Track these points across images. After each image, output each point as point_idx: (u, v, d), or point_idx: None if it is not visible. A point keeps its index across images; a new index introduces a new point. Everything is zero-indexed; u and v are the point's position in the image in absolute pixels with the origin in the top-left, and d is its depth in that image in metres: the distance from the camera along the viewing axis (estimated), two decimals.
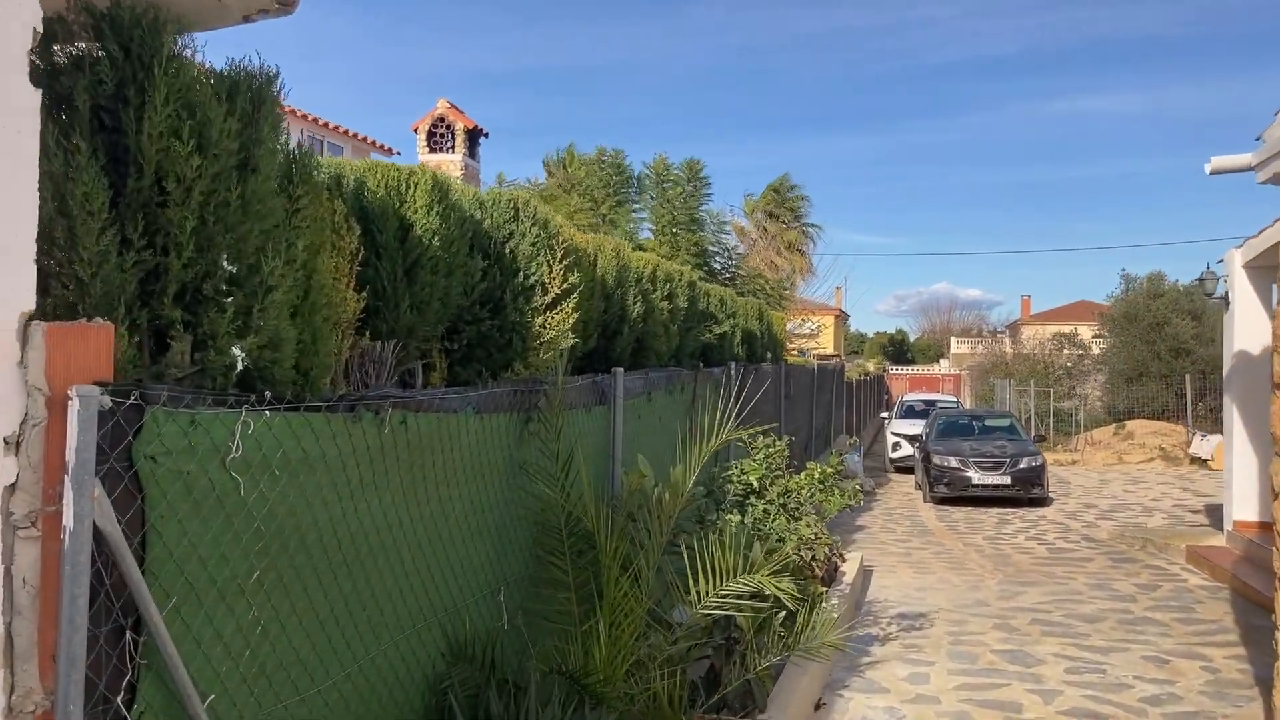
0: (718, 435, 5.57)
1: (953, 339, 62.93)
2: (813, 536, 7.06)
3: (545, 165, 22.39)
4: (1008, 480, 17.48)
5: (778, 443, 7.29)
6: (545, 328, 5.12)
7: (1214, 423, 27.36)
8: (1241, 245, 11.77)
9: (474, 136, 12.64)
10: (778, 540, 6.88)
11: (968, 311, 79.59)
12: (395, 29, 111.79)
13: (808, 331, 30.58)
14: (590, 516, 4.79)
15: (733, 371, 10.06)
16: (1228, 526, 12.11)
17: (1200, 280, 11.52)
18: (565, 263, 5.24)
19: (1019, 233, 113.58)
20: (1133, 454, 25.95)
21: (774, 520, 6.92)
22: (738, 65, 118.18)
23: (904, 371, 56.37)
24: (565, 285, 5.22)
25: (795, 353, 24.49)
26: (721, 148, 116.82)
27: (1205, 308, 30.73)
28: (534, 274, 5.11)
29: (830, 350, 47.22)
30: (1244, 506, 11.93)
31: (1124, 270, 37.85)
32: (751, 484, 7.06)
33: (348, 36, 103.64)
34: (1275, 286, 11.39)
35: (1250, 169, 9.22)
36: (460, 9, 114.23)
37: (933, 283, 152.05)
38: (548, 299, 5.15)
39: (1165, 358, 28.96)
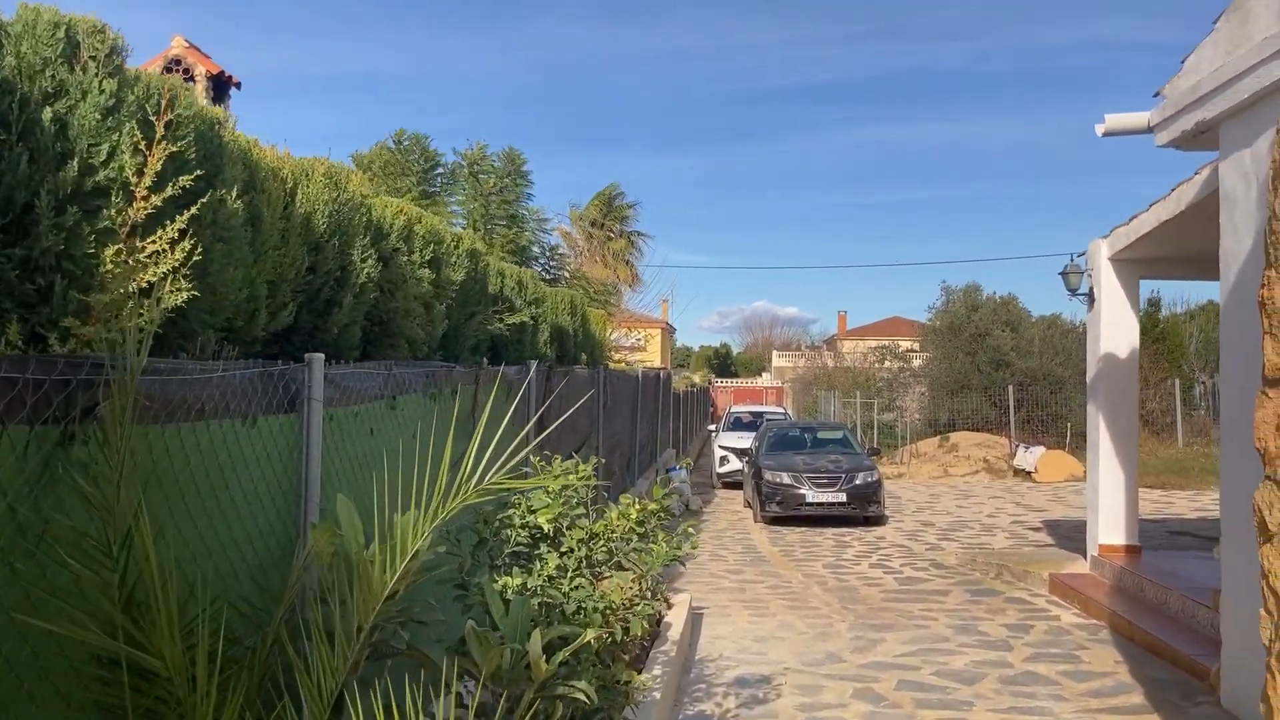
0: (495, 468, 3.23)
1: (774, 352, 62.53)
2: (626, 603, 4.83)
3: (352, 159, 19.61)
4: (843, 498, 15.78)
5: (582, 467, 5.07)
6: (134, 266, 2.68)
7: (1034, 434, 26.84)
8: (1107, 236, 10.28)
9: (221, 85, 9.99)
10: (576, 611, 4.59)
11: (787, 328, 79.95)
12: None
13: (632, 343, 28.57)
14: (167, 639, 2.36)
15: (534, 374, 7.74)
16: (1092, 551, 10.57)
17: (1063, 274, 9.90)
18: (175, 148, 2.81)
19: (835, 253, 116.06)
20: (958, 466, 25.01)
21: (572, 582, 4.66)
22: (566, 82, 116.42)
23: (729, 384, 55.35)
24: (174, 192, 2.79)
25: (623, 364, 22.45)
26: (549, 162, 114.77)
27: (1021, 319, 30.49)
28: (104, 162, 2.66)
29: (658, 363, 45.55)
30: (1110, 529, 10.40)
31: (944, 282, 37.70)
32: (543, 528, 4.81)
33: None
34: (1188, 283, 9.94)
35: (1148, 130, 7.57)
36: (268, 7, 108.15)
37: (753, 300, 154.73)
38: (135, 214, 2.71)
39: (986, 369, 28.33)
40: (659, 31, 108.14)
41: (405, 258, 5.22)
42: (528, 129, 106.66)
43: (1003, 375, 27.95)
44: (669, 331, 60.10)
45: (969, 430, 27.64)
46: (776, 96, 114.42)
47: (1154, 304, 35.84)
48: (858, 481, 15.98)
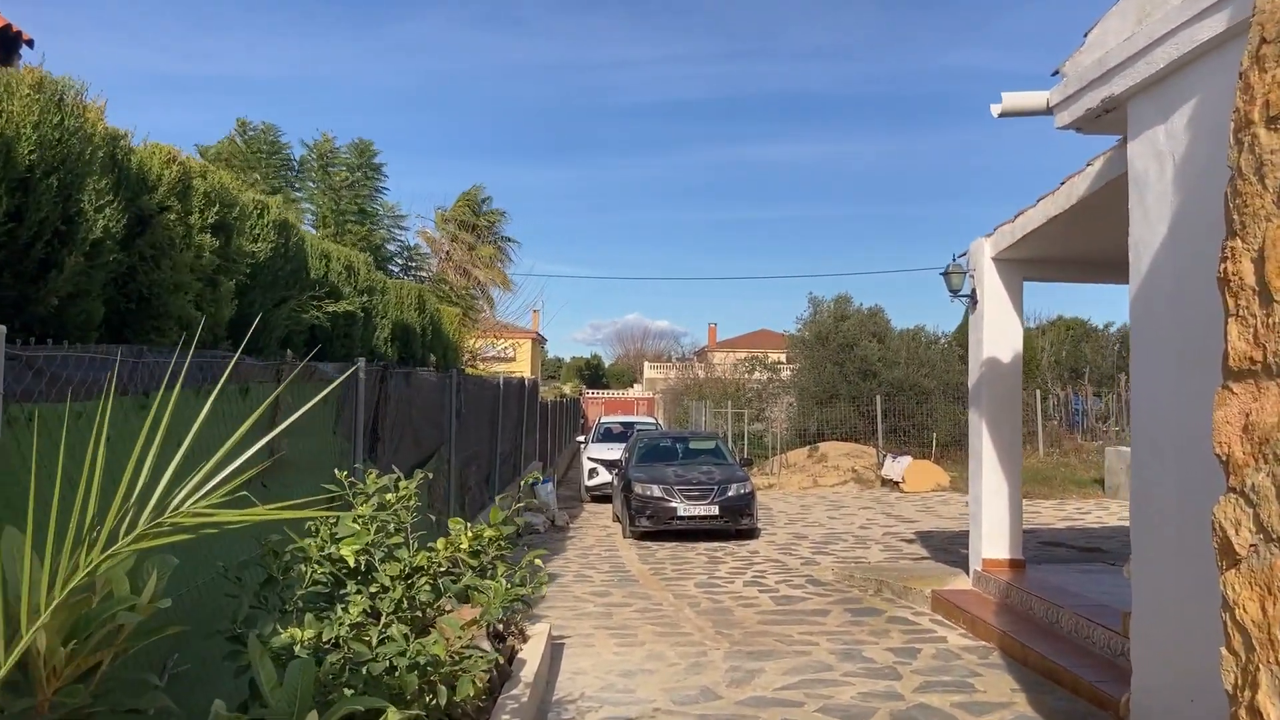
0: (207, 489, 2.14)
1: (646, 363, 61.98)
2: (457, 655, 3.76)
3: (197, 150, 17.91)
4: (716, 510, 14.97)
5: (403, 484, 3.99)
6: None
7: (900, 444, 26.72)
8: (990, 234, 9.72)
9: (8, 42, 8.51)
10: (388, 671, 3.50)
11: (659, 340, 79.71)
12: None
13: (499, 352, 27.30)
14: None
15: (363, 375, 6.58)
16: (975, 566, 9.97)
17: (945, 274, 9.25)
18: None
19: (707, 267, 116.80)
20: (827, 476, 24.64)
21: (383, 634, 3.57)
22: (435, 90, 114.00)
23: (600, 395, 54.44)
24: None
25: (483, 370, 21.16)
26: (415, 168, 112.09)
27: (888, 330, 30.49)
28: None
29: (528, 373, 44.34)
30: (994, 542, 9.82)
31: (811, 293, 37.45)
32: (348, 563, 3.72)
33: None
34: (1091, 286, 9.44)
35: (1047, 111, 6.92)
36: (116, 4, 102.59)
37: (625, 313, 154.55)
38: None
39: (854, 379, 28.14)
40: (532, 43, 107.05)
41: (178, 218, 4.05)
42: (398, 136, 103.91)
43: (870, 385, 27.81)
44: (539, 342, 58.89)
45: (837, 440, 27.37)
46: (650, 112, 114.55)
47: None
48: (731, 493, 15.19)
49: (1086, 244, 9.02)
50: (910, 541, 14.87)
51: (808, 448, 26.71)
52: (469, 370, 14.13)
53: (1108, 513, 17.67)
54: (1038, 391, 27.96)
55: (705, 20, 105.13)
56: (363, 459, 6.31)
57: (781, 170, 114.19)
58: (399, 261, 19.42)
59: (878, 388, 27.36)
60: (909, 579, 10.58)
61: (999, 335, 9.74)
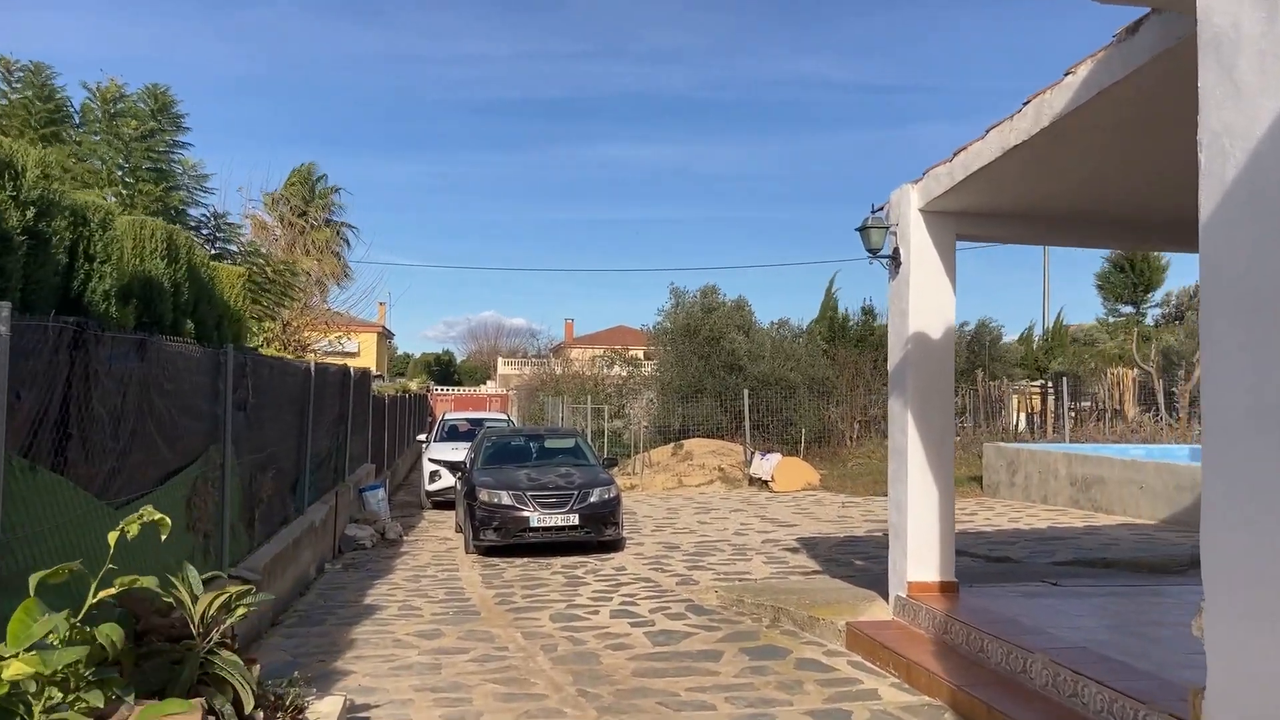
0: None
1: (500, 359, 59.15)
2: None
3: None
4: (576, 520, 12.66)
5: None
6: None
7: (767, 440, 25.02)
8: (919, 180, 7.73)
9: None
10: None
11: (515, 337, 76.90)
12: None
13: (330, 343, 24.19)
14: None
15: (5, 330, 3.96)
16: (897, 590, 7.97)
17: (862, 229, 7.18)
18: None
19: (564, 266, 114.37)
20: (693, 475, 22.68)
21: None
22: (283, 77, 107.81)
23: (450, 392, 51.30)
24: None
25: (279, 354, 18.20)
26: (259, 159, 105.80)
27: (753, 324, 28.83)
28: None
29: (374, 369, 41.06)
30: (922, 561, 7.83)
31: (673, 284, 35.50)
32: None
33: None
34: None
35: None
36: None
37: (481, 310, 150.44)
38: None
39: (720, 373, 26.31)
40: (383, 33, 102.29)
41: None
42: (247, 122, 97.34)
43: (736, 380, 26.05)
44: (386, 336, 55.35)
45: (703, 437, 25.49)
46: (508, 108, 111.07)
47: (868, 312, 35.59)
48: (593, 499, 12.91)
49: (1051, 189, 7.12)
50: (794, 550, 12.92)
51: (672, 445, 24.72)
52: (262, 349, 11.40)
53: (994, 513, 16.19)
54: None
55: (559, 19, 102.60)
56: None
57: (642, 171, 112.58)
58: (206, 230, 16.33)
59: (744, 382, 25.61)
60: (813, 605, 8.51)
61: (928, 304, 7.77)
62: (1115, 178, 6.86)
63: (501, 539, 12.59)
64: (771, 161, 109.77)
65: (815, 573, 11.11)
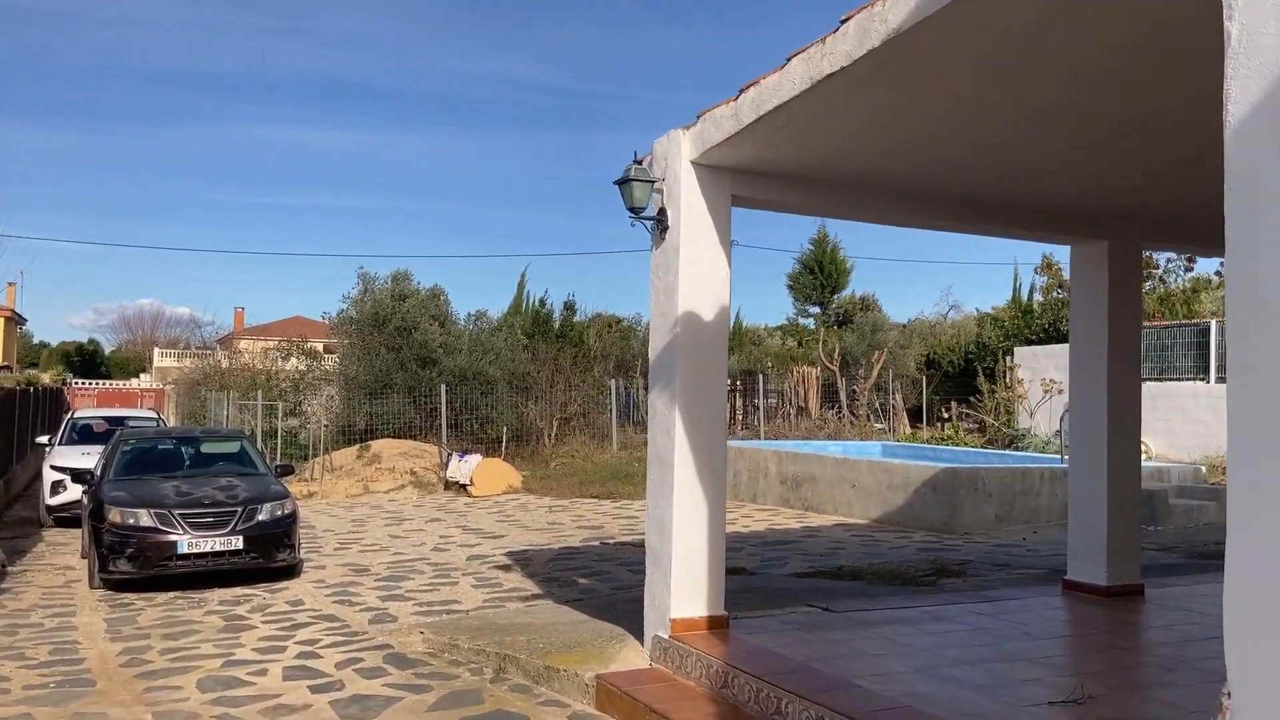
0: None
1: (156, 350, 52.67)
2: None
3: None
4: (240, 543, 10.16)
5: None
6: None
7: (464, 440, 23.07)
8: (693, 125, 6.24)
9: None
10: None
11: (178, 328, 69.26)
12: None
13: None
14: None
15: None
16: (657, 630, 6.42)
17: (623, 183, 5.66)
18: None
19: (236, 250, 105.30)
20: (382, 480, 20.28)
21: None
22: None
23: (94, 386, 44.69)
24: None
25: None
26: None
27: (449, 315, 26.73)
28: None
29: None
30: (689, 592, 6.33)
31: (362, 269, 32.45)
32: None
33: None
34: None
35: None
36: None
37: (140, 297, 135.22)
38: None
39: (413, 367, 24.01)
40: None
41: None
42: None
43: (431, 374, 23.87)
44: (17, 321, 47.62)
45: (393, 437, 23.09)
46: (176, 79, 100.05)
47: (569, 307, 34.57)
48: (262, 517, 10.45)
49: (871, 143, 5.82)
50: (506, 569, 11.18)
51: (357, 447, 22.13)
52: None
53: None
54: (615, 381, 25.79)
55: None
56: None
57: (327, 157, 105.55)
58: None
59: (439, 377, 23.50)
60: (549, 650, 6.79)
61: (701, 279, 6.30)
62: (968, 131, 5.67)
63: (139, 570, 9.86)
64: (465, 157, 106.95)
65: (536, 597, 9.43)
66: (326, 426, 23.64)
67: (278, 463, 14.12)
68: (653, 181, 6.34)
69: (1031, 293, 30.43)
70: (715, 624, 6.35)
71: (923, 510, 13.47)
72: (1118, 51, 4.53)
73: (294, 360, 28.97)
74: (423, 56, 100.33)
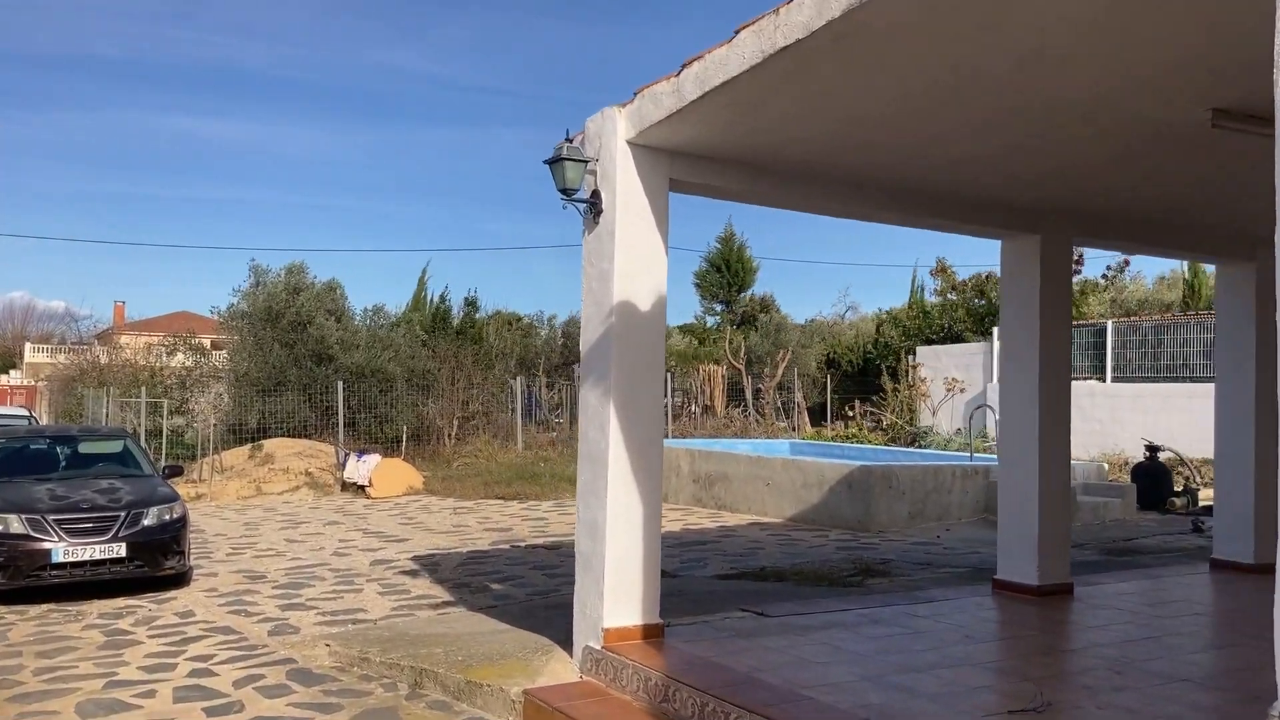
0: None
1: (28, 345, 49.78)
2: None
3: None
4: (123, 550, 9.37)
5: None
6: None
7: (362, 440, 22.22)
8: (630, 102, 5.86)
9: None
10: None
11: (50, 322, 65.74)
12: None
13: None
14: None
15: None
16: (587, 640, 6.02)
17: (554, 162, 5.19)
18: None
19: (118, 241, 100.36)
20: (275, 481, 19.34)
21: None
22: None
23: None
24: None
25: None
26: None
27: (346, 310, 25.76)
28: None
29: None
30: (623, 600, 5.95)
31: (254, 261, 30.92)
32: None
33: None
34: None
35: None
36: None
37: (9, 289, 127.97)
38: None
39: (308, 363, 23.02)
40: None
41: None
42: None
43: (327, 371, 22.94)
44: None
45: (286, 436, 22.09)
46: (52, 63, 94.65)
47: (471, 303, 33.88)
48: (149, 522, 9.67)
49: (827, 124, 5.52)
50: (414, 574, 10.62)
51: (249, 446, 21.09)
52: None
53: None
54: (520, 378, 25.21)
55: None
56: None
57: (216, 148, 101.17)
58: None
59: (336, 374, 22.59)
60: (469, 662, 6.33)
61: (638, 265, 5.93)
62: (917, 115, 5.41)
63: (9, 581, 9.00)
64: (360, 150, 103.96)
65: (448, 604, 8.93)
66: (216, 425, 22.46)
67: (166, 463, 13.21)
68: (586, 161, 5.94)
69: (923, 293, 31.01)
70: (650, 633, 5.99)
71: (838, 508, 13.37)
72: (1075, 29, 4.34)
73: (180, 356, 27.52)
74: (314, 47, 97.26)
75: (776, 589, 8.63)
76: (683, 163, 6.04)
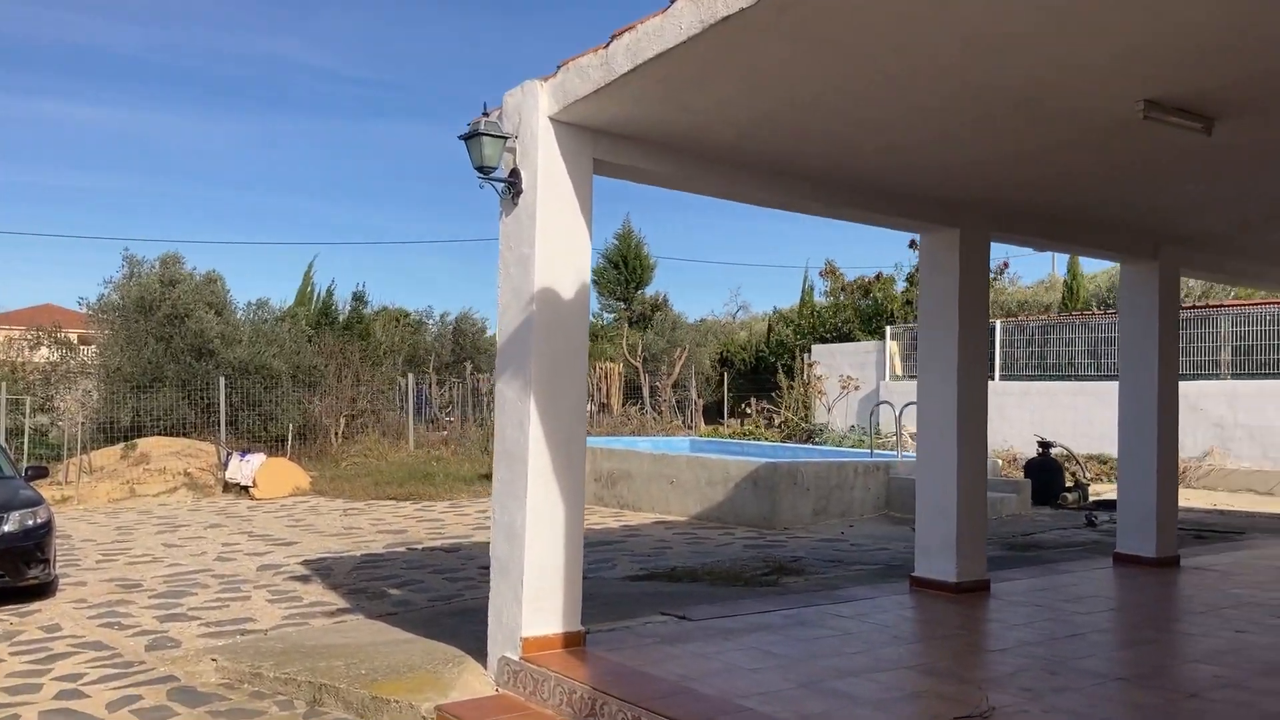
0: None
1: None
2: None
3: None
4: None
5: None
6: None
7: (245, 438, 21.19)
8: (553, 75, 5.49)
9: None
10: None
11: None
12: None
13: None
14: None
15: None
16: (505, 650, 5.62)
17: (470, 137, 4.84)
18: None
19: None
20: (150, 482, 18.22)
21: None
22: None
23: None
24: None
25: None
26: None
27: (227, 303, 24.53)
28: None
29: None
30: (543, 606, 5.57)
31: (127, 250, 29.04)
32: None
33: None
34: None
35: None
36: None
37: None
38: None
39: (186, 358, 21.81)
40: None
41: None
42: None
43: (207, 367, 21.78)
44: None
45: (163, 435, 20.87)
46: None
47: (359, 298, 32.84)
48: (9, 528, 8.82)
49: (750, 102, 5.23)
50: (305, 579, 10.01)
51: (122, 446, 19.83)
52: None
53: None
54: (411, 376, 24.43)
55: None
56: None
57: (81, 134, 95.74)
58: None
59: (217, 369, 21.46)
60: (373, 676, 5.86)
61: (559, 249, 5.56)
62: (854, 98, 5.19)
63: None
64: (238, 140, 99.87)
65: (344, 612, 8.38)
66: (84, 424, 21.07)
67: (28, 465, 12.19)
68: (505, 138, 5.54)
69: (814, 294, 31.34)
70: (571, 641, 5.63)
71: (743, 506, 13.23)
72: (1025, 10, 4.19)
73: (44, 350, 25.80)
74: (189, 32, 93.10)
75: (692, 590, 8.37)
76: (608, 143, 5.70)
